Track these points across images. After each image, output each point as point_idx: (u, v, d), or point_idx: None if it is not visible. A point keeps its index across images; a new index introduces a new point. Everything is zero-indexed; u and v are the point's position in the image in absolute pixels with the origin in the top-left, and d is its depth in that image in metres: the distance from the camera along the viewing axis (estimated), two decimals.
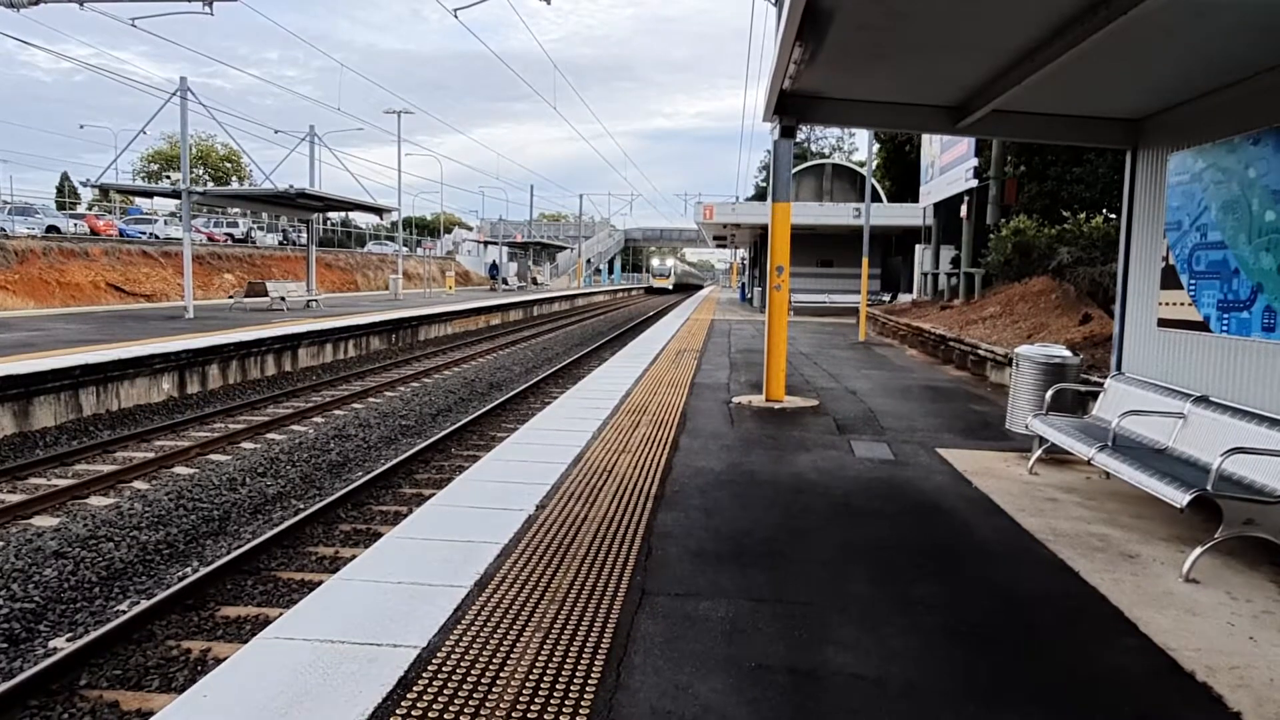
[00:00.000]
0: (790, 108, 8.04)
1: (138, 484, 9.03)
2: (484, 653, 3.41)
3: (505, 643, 3.51)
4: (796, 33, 5.52)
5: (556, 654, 3.42)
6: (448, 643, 3.48)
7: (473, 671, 3.25)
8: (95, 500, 8.40)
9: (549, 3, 14.88)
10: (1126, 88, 6.54)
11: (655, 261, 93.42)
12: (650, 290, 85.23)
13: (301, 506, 8.62)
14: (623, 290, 79.00)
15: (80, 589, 6.37)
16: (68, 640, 5.58)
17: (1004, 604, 4.11)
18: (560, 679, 3.22)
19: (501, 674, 3.24)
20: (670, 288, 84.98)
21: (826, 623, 3.81)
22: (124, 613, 5.93)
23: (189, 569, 6.90)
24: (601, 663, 3.36)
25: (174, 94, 21.20)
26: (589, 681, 3.20)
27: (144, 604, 5.89)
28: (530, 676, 3.23)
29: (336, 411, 13.54)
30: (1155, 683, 3.36)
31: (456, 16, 16.94)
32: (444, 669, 3.26)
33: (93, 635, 5.32)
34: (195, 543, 7.54)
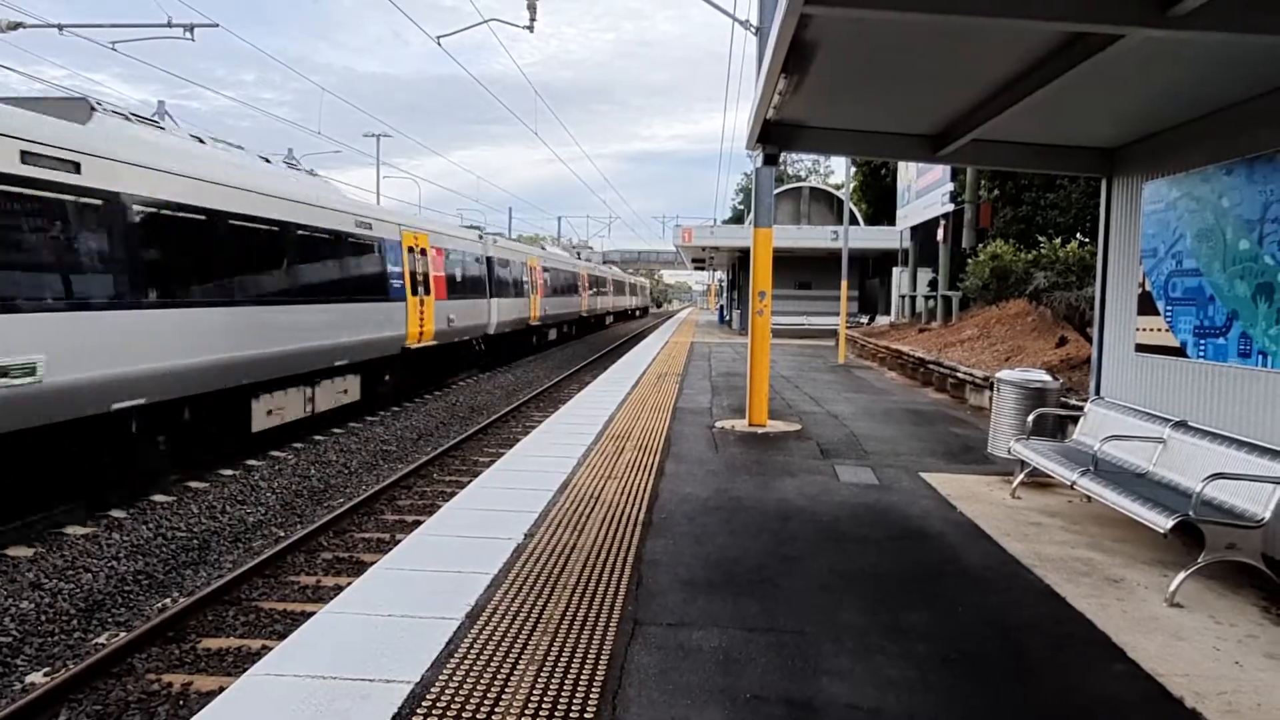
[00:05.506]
0: (773, 137, 8.12)
1: (115, 512, 8.87)
2: (478, 687, 3.38)
3: (499, 677, 3.48)
4: (782, 66, 5.60)
5: (551, 688, 3.40)
6: (441, 678, 3.45)
7: (467, 707, 3.22)
8: (72, 530, 8.24)
9: (531, 30, 14.99)
10: (1102, 118, 6.68)
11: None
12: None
13: (282, 534, 8.52)
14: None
15: (58, 621, 6.24)
16: (45, 676, 5.46)
17: (994, 631, 4.14)
18: (556, 714, 3.19)
19: (497, 709, 3.22)
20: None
21: (820, 651, 3.82)
22: (103, 646, 5.82)
23: (169, 600, 6.79)
24: (596, 696, 3.34)
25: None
26: (584, 717, 3.18)
27: (124, 637, 5.78)
28: (525, 712, 3.21)
29: (316, 436, 13.41)
30: (1146, 709, 3.39)
31: (439, 44, 17.02)
32: (438, 705, 3.23)
33: (72, 671, 5.21)
34: (175, 572, 7.42)
